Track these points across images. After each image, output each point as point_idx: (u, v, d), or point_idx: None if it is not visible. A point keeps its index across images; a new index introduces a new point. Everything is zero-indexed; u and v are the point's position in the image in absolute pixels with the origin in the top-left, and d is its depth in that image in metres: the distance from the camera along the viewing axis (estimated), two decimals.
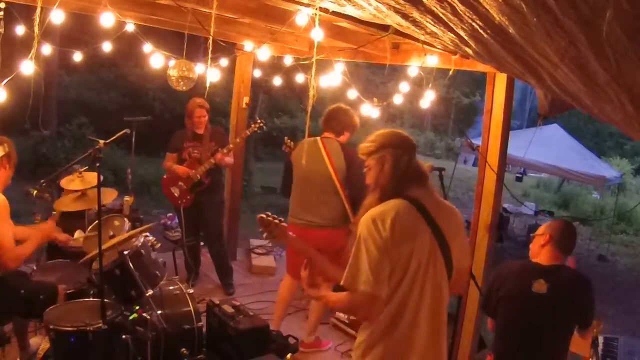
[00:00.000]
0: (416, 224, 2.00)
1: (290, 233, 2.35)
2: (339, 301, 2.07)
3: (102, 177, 2.75)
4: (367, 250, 1.93)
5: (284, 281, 4.10)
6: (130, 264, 3.09)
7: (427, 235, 2.01)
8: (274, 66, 5.36)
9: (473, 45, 1.49)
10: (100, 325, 2.67)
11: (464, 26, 1.31)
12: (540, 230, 2.75)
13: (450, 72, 3.63)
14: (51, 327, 2.68)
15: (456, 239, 2.11)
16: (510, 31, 1.12)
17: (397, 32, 3.07)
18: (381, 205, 2.03)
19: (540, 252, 2.68)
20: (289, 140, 4.54)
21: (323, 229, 3.72)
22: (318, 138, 3.86)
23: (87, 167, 3.89)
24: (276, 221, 2.32)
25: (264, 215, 2.32)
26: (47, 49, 3.67)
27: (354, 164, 3.75)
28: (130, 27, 3.36)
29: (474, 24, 1.23)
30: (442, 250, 2.04)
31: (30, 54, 2.26)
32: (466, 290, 3.58)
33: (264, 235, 2.33)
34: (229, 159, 4.83)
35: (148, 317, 2.94)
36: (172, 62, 3.37)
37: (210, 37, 2.84)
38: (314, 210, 3.76)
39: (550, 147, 10.33)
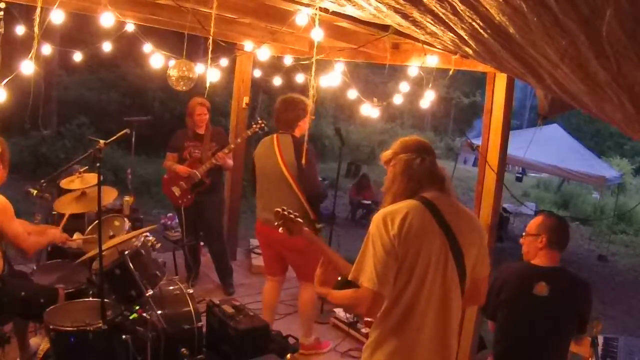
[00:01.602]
0: (426, 225, 1.99)
1: (305, 229, 2.38)
2: (342, 297, 2.10)
3: (102, 177, 2.75)
4: (374, 248, 1.96)
5: (265, 285, 4.04)
6: (130, 264, 3.09)
7: (437, 237, 2.00)
8: (274, 66, 5.36)
9: (473, 45, 1.49)
10: (100, 325, 2.67)
11: (464, 26, 1.31)
12: (532, 229, 2.68)
13: (450, 72, 3.63)
14: (51, 327, 2.68)
15: (473, 246, 2.08)
16: (511, 31, 1.12)
17: (397, 32, 3.07)
18: (394, 205, 2.05)
19: (537, 254, 2.66)
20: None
21: None
22: (275, 135, 3.83)
23: (87, 167, 3.90)
24: (292, 216, 2.36)
25: (279, 209, 2.36)
26: (47, 49, 3.67)
27: (304, 157, 3.72)
28: (130, 27, 3.36)
29: (474, 23, 1.23)
30: (454, 254, 2.02)
31: (30, 54, 2.26)
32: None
33: (280, 229, 2.36)
34: (229, 161, 4.83)
35: (148, 317, 2.95)
36: (172, 62, 3.37)
37: (210, 37, 2.84)
38: (273, 207, 3.73)
39: (550, 147, 10.34)
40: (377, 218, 2.01)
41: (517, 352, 2.66)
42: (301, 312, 4.02)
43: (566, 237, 2.68)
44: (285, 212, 2.39)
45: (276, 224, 2.42)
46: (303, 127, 3.79)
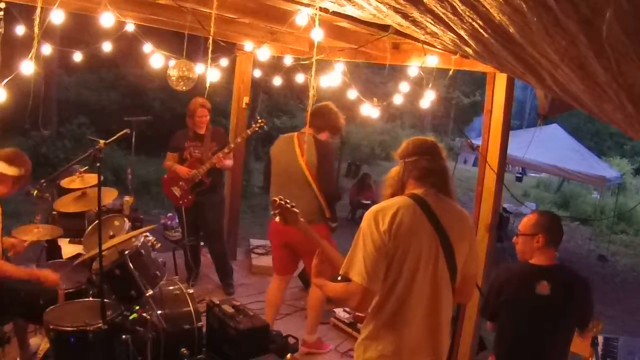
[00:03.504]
0: (417, 221, 2.01)
1: (302, 219, 2.39)
2: (334, 290, 2.11)
3: (102, 177, 2.75)
4: (364, 244, 1.98)
5: (271, 284, 4.06)
6: (130, 264, 3.09)
7: (428, 233, 2.02)
8: (274, 66, 5.36)
9: (473, 45, 1.49)
10: (100, 325, 2.67)
11: (464, 26, 1.31)
12: (528, 229, 2.66)
13: (450, 72, 3.63)
14: (51, 327, 2.68)
15: (463, 243, 2.10)
16: (511, 31, 1.12)
17: (397, 32, 3.07)
18: (385, 201, 2.09)
19: (535, 253, 2.65)
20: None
21: None
22: (295, 133, 3.88)
23: (87, 167, 3.90)
24: (288, 206, 2.37)
25: (276, 199, 2.37)
26: (47, 49, 3.67)
27: (326, 158, 3.75)
28: (130, 27, 3.36)
29: (474, 23, 1.23)
30: (445, 250, 2.04)
31: (30, 54, 2.26)
32: None
33: (276, 218, 2.37)
34: (229, 161, 4.83)
35: (148, 317, 2.94)
36: (172, 62, 3.37)
37: (210, 37, 2.84)
38: None
39: (550, 147, 10.35)
40: (368, 214, 2.04)
41: (518, 352, 2.66)
42: (310, 307, 4.01)
43: (561, 233, 2.69)
44: (282, 202, 2.39)
45: (272, 213, 2.43)
46: (325, 136, 3.88)
